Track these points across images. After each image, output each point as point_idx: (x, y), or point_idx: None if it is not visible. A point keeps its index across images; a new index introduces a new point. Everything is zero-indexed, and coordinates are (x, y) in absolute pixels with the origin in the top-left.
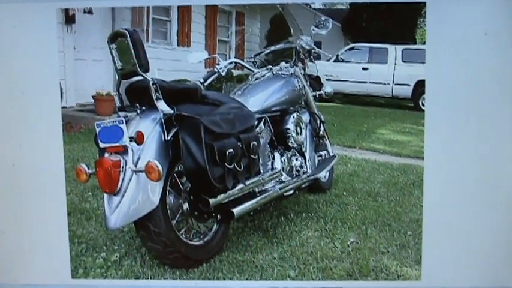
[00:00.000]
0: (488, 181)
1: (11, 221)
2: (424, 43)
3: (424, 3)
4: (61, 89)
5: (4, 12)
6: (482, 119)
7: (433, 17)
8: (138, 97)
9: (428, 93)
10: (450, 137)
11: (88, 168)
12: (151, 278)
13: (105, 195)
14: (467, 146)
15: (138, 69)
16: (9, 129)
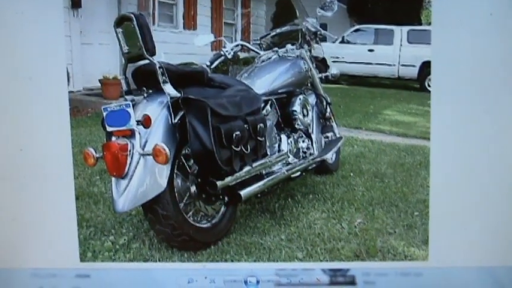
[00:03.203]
0: (494, 161)
1: (19, 205)
2: (429, 24)
3: None
4: (68, 74)
5: None
6: (487, 99)
7: None
8: (145, 81)
9: (434, 74)
10: (456, 118)
11: (95, 152)
12: (159, 261)
13: (113, 178)
14: (473, 126)
15: (145, 52)
16: (17, 114)
